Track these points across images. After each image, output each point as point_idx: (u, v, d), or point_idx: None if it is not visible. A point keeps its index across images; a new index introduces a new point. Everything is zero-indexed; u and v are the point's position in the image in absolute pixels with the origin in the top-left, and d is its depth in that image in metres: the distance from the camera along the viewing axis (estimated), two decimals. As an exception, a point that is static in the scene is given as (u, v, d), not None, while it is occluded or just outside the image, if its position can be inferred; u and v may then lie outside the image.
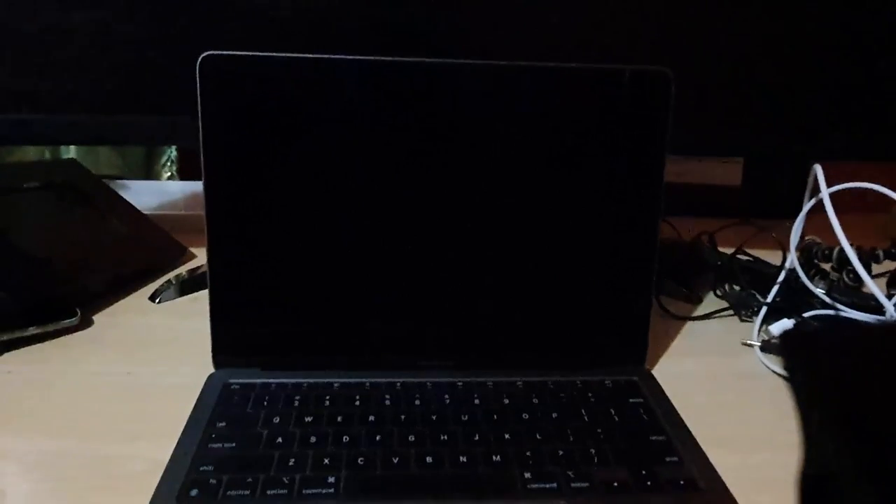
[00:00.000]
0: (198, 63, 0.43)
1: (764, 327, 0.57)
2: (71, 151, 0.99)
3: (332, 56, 0.45)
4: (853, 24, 0.60)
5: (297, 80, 0.45)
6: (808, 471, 0.19)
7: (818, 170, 0.55)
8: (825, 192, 0.53)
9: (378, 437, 0.41)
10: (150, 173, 1.08)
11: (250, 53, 0.44)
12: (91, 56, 0.57)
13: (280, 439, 0.40)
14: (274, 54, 0.44)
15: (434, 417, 0.43)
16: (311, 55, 0.44)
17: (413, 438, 0.41)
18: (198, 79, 0.44)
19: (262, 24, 0.56)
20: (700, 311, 0.63)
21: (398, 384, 0.46)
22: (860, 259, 0.54)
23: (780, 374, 0.52)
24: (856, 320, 0.55)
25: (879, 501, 0.16)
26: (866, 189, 0.54)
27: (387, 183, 0.47)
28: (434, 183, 0.47)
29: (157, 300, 0.62)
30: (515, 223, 0.48)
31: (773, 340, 0.55)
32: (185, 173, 1.08)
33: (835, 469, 0.18)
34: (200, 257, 0.72)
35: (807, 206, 0.56)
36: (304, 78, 0.45)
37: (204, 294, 0.48)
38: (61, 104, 0.58)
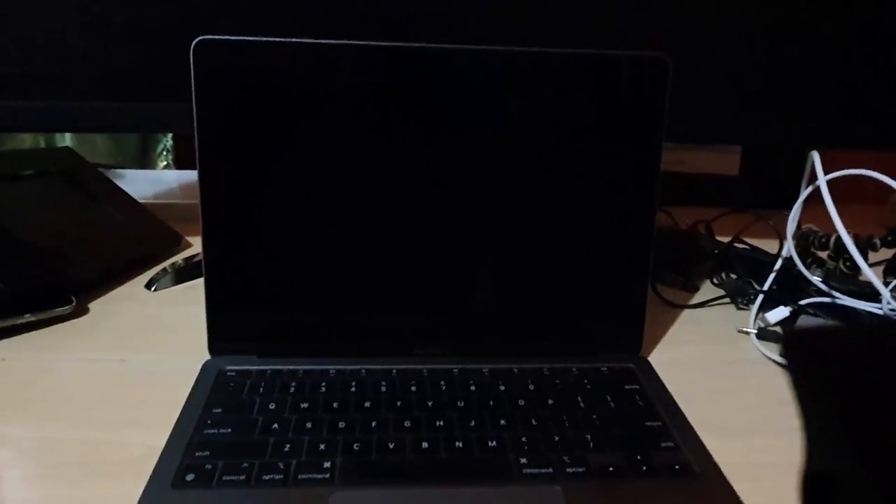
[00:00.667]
0: (191, 48, 0.43)
1: (760, 315, 0.57)
2: (66, 140, 0.98)
3: (328, 41, 0.44)
4: (852, 12, 0.60)
5: (292, 65, 0.44)
6: (811, 470, 0.19)
7: (815, 157, 0.55)
8: (822, 179, 0.53)
9: (374, 424, 0.41)
10: (145, 162, 1.08)
11: (245, 38, 0.44)
12: (84, 42, 0.56)
13: (276, 425, 0.40)
14: (269, 39, 0.44)
15: (430, 404, 0.43)
16: (306, 40, 0.44)
17: (409, 424, 0.41)
18: (192, 64, 0.43)
19: (257, 9, 0.56)
20: (696, 299, 0.63)
21: (394, 371, 0.46)
22: (857, 247, 0.54)
23: (775, 361, 0.52)
24: (855, 310, 0.56)
25: (884, 501, 0.16)
26: (863, 179, 0.54)
27: (382, 169, 0.46)
28: (429, 170, 0.47)
29: (153, 288, 0.61)
30: (511, 210, 0.48)
31: (770, 328, 0.55)
32: (181, 163, 1.08)
33: (837, 469, 0.18)
34: (196, 246, 0.71)
35: (804, 193, 0.56)
36: (300, 63, 0.44)
37: (200, 282, 0.47)
38: (55, 91, 0.58)
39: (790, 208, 0.57)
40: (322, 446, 0.39)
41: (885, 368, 0.19)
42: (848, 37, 0.61)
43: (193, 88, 0.44)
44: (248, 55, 0.44)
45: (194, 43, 0.43)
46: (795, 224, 0.57)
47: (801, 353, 0.20)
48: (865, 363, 0.19)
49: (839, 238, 0.55)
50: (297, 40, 0.44)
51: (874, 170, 0.54)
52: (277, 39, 0.44)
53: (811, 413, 0.19)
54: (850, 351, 0.20)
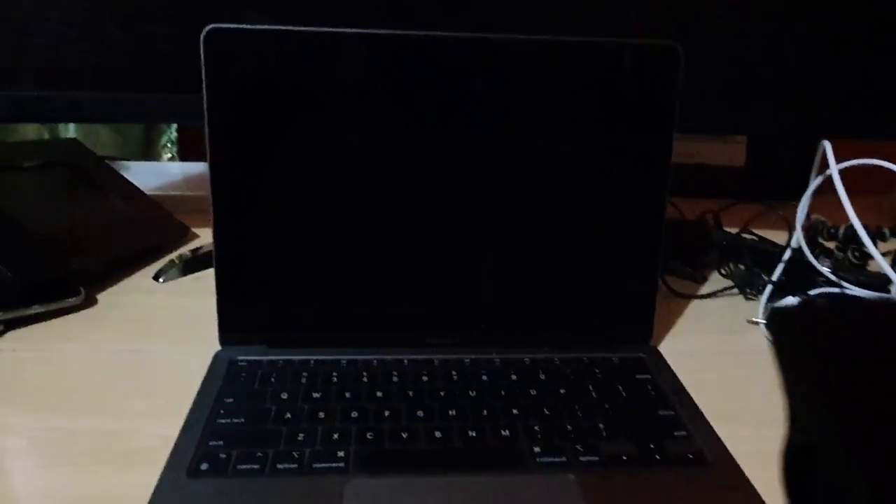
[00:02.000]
0: (202, 36, 0.43)
1: (769, 305, 0.57)
2: (70, 131, 0.98)
3: (339, 30, 0.44)
4: (860, 1, 0.60)
5: (303, 54, 0.44)
6: (793, 444, 0.19)
7: (826, 146, 0.54)
8: (834, 169, 0.53)
9: (386, 413, 0.41)
10: (150, 154, 1.07)
11: (256, 27, 0.44)
12: (91, 31, 0.56)
13: (289, 415, 0.40)
14: (280, 28, 0.44)
15: (442, 393, 0.43)
16: (317, 29, 0.44)
17: (421, 414, 0.41)
18: (202, 53, 0.43)
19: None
20: (705, 289, 0.63)
21: (405, 361, 0.46)
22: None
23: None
24: (851, 296, 0.55)
25: (863, 472, 0.16)
26: (867, 170, 0.53)
27: (393, 159, 0.46)
28: (439, 160, 0.47)
29: (161, 279, 0.61)
30: (522, 201, 0.47)
31: (779, 318, 0.55)
32: (186, 154, 1.07)
33: (818, 442, 0.18)
34: (203, 237, 0.71)
35: (815, 183, 0.56)
36: (311, 52, 0.44)
37: (207, 273, 0.48)
38: (61, 81, 0.57)
39: (796, 199, 0.57)
40: (336, 435, 0.39)
41: (866, 342, 0.19)
42: (856, 26, 0.60)
43: (204, 77, 0.43)
44: (259, 44, 0.44)
45: (205, 31, 0.43)
46: (805, 214, 0.57)
47: (784, 327, 0.20)
48: (846, 337, 0.19)
49: (848, 228, 0.55)
50: (309, 29, 0.44)
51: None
52: (288, 28, 0.44)
53: (792, 386, 0.19)
54: (832, 325, 0.20)
